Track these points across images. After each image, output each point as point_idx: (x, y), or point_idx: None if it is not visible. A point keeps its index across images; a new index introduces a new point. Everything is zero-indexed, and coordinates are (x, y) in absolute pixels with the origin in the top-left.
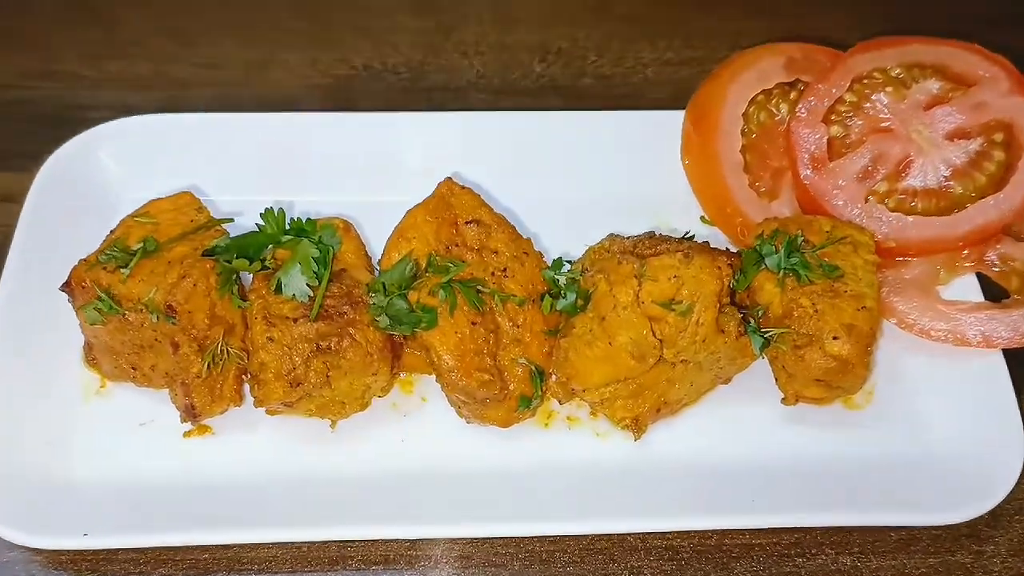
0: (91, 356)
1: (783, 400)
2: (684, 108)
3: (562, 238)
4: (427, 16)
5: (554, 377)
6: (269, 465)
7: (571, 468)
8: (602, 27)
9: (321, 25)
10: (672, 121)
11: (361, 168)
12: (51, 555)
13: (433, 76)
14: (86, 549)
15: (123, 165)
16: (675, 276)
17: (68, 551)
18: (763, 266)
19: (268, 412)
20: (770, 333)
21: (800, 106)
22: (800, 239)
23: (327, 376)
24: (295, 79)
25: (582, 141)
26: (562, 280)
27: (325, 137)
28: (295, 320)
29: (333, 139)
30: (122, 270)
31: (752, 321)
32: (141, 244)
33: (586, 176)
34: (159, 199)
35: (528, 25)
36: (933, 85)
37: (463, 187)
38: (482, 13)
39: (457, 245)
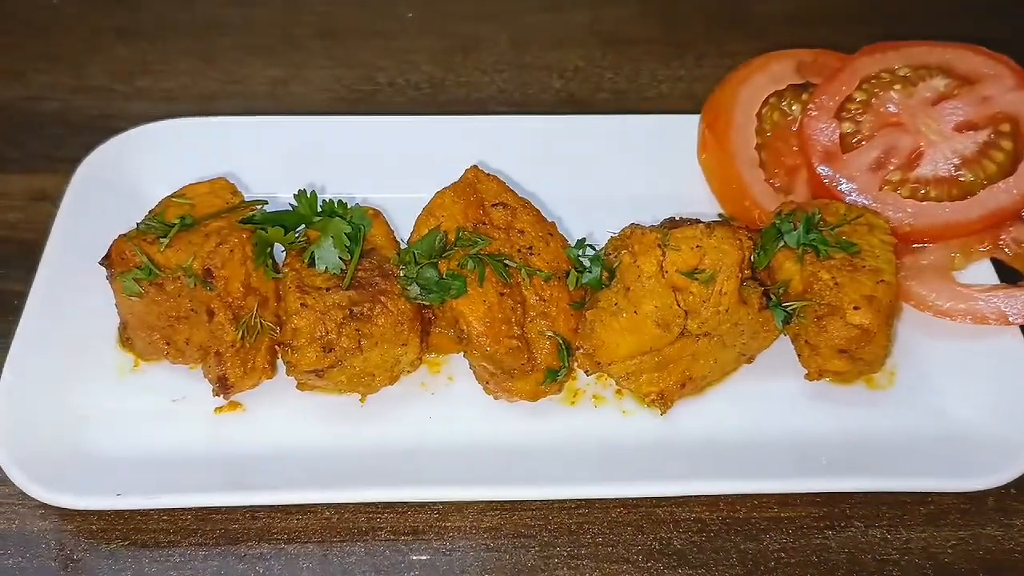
0: (125, 336)
1: (807, 376)
2: (699, 113)
3: (585, 230)
4: (445, 38)
5: (580, 350)
6: (298, 438)
7: (598, 442)
8: (616, 48)
9: (342, 46)
10: (688, 124)
11: (388, 169)
12: (81, 524)
13: (454, 91)
14: (116, 512)
15: (157, 166)
16: (697, 246)
17: (98, 514)
18: (782, 243)
19: (299, 387)
20: (792, 306)
21: (811, 104)
22: (818, 216)
23: (359, 343)
24: (318, 93)
25: (600, 144)
26: (585, 259)
27: (354, 140)
28: (327, 290)
29: (361, 142)
30: (161, 240)
31: (773, 298)
32: (179, 219)
33: (605, 177)
34: (196, 183)
35: (542, 47)
36: (939, 83)
37: (489, 174)
38: (498, 36)
39: (484, 223)
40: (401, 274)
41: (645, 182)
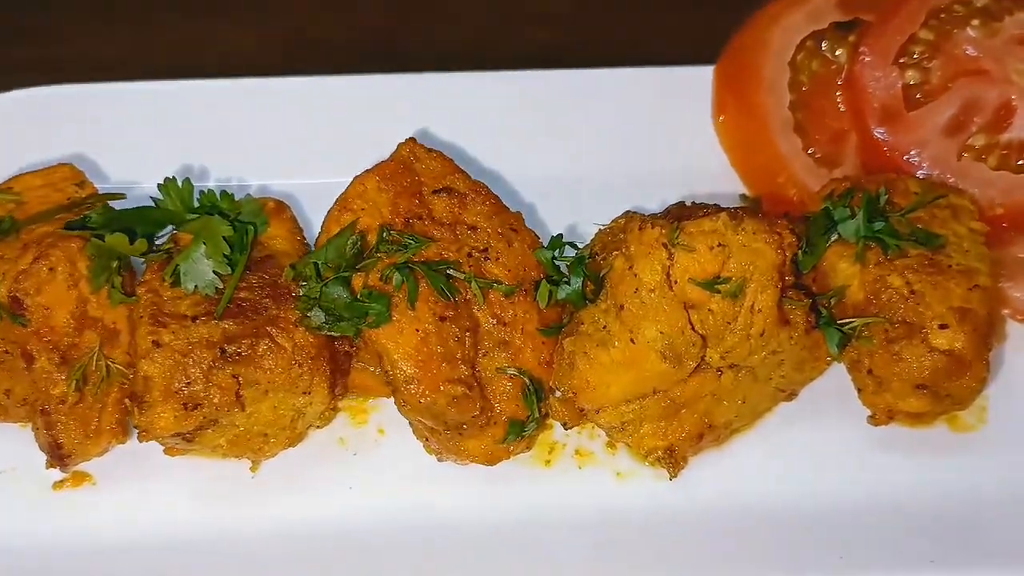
0: None
1: (870, 419)
2: (711, 64)
3: (565, 221)
4: None
5: (557, 393)
6: (168, 524)
7: (583, 521)
8: None
9: None
10: (699, 79)
11: (301, 147)
12: None
13: (407, 46)
14: None
15: None
16: (719, 244)
17: None
18: (835, 235)
19: (167, 452)
20: (851, 324)
21: (863, 47)
22: (884, 198)
23: (237, 395)
24: (238, 56)
25: (585, 107)
26: (563, 264)
27: (255, 109)
28: (194, 319)
29: (263, 111)
30: None
31: (824, 311)
32: None
33: (591, 150)
34: (27, 173)
35: None
36: None
37: (430, 149)
38: None
39: (420, 218)
40: (300, 293)
41: (644, 156)
